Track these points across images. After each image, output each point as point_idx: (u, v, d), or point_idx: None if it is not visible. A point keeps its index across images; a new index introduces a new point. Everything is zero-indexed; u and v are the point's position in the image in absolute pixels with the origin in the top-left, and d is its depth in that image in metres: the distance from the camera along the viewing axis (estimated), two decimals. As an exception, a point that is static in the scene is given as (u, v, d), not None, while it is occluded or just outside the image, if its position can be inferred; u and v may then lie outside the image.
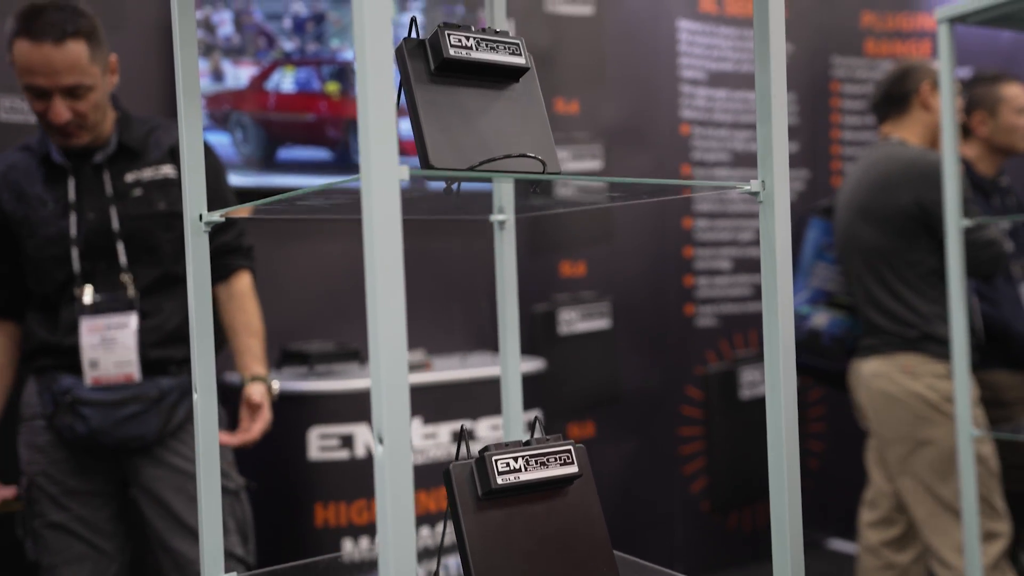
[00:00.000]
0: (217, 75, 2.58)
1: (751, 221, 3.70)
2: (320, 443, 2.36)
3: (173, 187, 1.99)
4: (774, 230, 0.84)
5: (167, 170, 1.99)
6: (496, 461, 0.83)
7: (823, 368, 2.77)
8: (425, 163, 0.84)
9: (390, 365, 0.63)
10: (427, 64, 0.86)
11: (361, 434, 2.37)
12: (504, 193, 0.97)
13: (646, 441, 3.44)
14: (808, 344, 2.75)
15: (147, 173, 1.98)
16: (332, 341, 2.66)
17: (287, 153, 2.69)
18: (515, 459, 0.84)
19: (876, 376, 2.49)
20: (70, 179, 1.94)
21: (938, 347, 2.42)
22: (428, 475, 2.45)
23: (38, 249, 1.93)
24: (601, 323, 3.35)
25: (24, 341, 2.02)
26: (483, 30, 0.89)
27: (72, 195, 1.93)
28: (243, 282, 2.08)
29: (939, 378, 2.42)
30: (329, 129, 2.73)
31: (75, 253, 1.92)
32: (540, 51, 3.24)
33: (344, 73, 2.72)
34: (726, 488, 3.59)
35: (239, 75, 2.60)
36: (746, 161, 3.70)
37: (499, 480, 0.83)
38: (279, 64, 2.66)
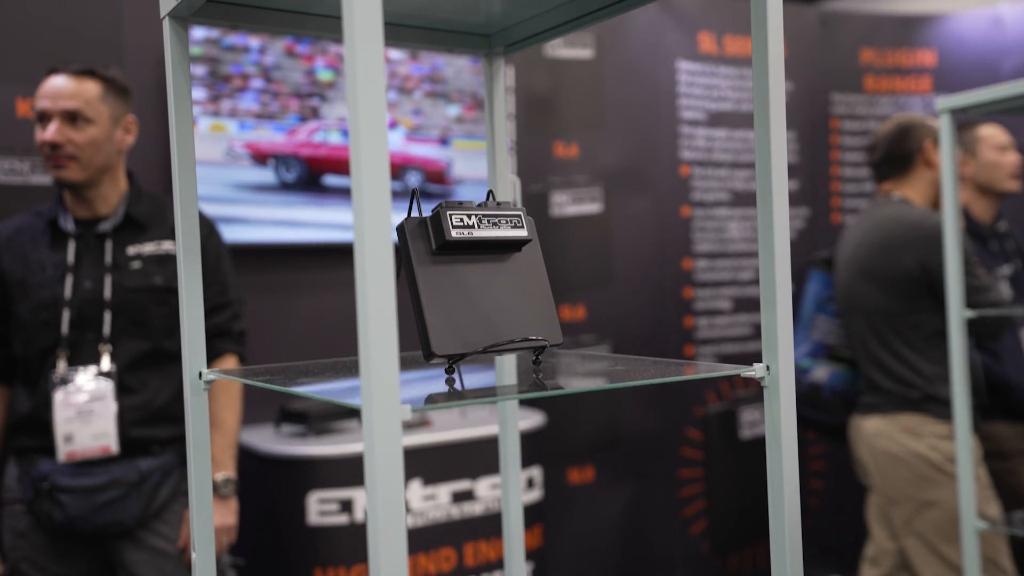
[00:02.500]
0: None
1: (751, 260, 3.69)
2: (319, 507, 2.35)
3: (172, 262, 1.98)
4: (779, 415, 0.83)
5: (168, 245, 1.99)
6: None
7: (823, 422, 2.77)
8: (427, 350, 0.83)
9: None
10: (428, 244, 0.85)
11: (361, 498, 2.36)
12: (508, 367, 0.96)
13: (646, 484, 3.43)
14: (808, 397, 2.74)
15: (148, 248, 1.98)
16: (331, 398, 2.65)
17: (334, 180, 2.72)
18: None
19: (878, 435, 2.49)
20: (71, 243, 1.94)
21: (940, 408, 2.41)
22: (427, 537, 2.44)
23: (31, 312, 1.93)
24: (601, 366, 3.34)
25: (8, 413, 2.02)
26: (484, 204, 0.89)
27: (71, 259, 1.93)
28: (224, 368, 2.06)
29: (941, 439, 2.41)
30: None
31: (65, 316, 1.91)
32: (540, 95, 3.23)
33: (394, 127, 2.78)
34: (727, 529, 3.58)
35: (276, 137, 2.64)
36: (745, 200, 3.69)
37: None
38: (324, 126, 2.68)
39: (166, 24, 0.96)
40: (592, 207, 3.35)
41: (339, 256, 2.80)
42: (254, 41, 2.61)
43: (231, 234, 2.54)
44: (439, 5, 1.02)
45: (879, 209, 2.57)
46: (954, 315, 1.69)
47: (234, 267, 2.16)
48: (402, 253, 0.85)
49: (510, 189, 1.18)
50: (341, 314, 2.77)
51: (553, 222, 3.25)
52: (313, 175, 2.68)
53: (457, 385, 0.85)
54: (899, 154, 2.57)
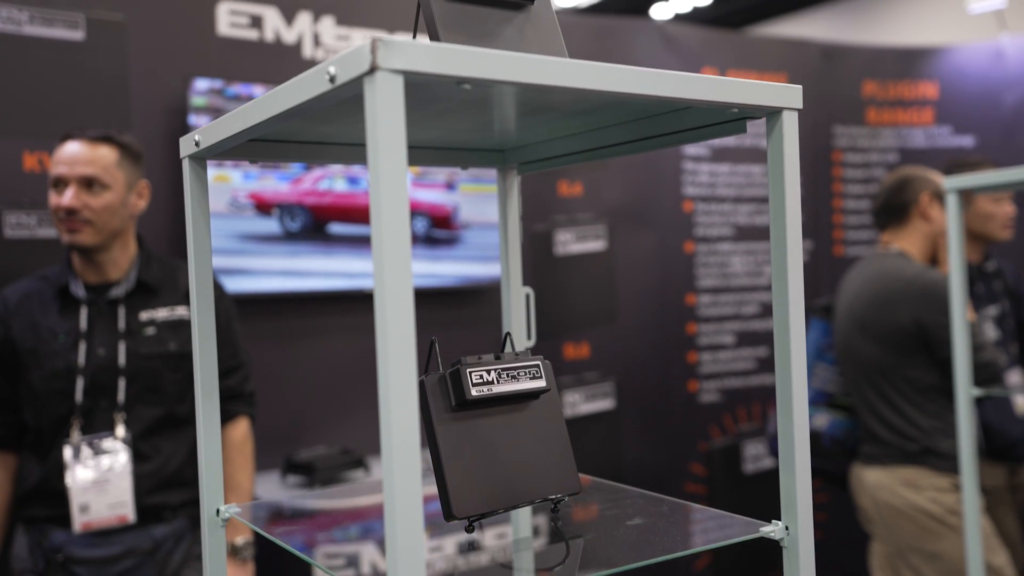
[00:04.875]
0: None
1: (754, 295, 3.69)
2: (326, 563, 2.35)
3: (186, 328, 1.98)
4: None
5: (182, 311, 2.00)
6: None
7: (824, 469, 2.77)
8: (448, 512, 0.84)
9: None
10: (448, 401, 0.86)
11: (367, 552, 2.37)
12: (524, 515, 0.96)
13: (649, 520, 3.44)
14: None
15: (162, 313, 1.98)
16: (337, 447, 2.66)
17: (339, 228, 2.72)
18: None
19: (879, 487, 2.50)
20: (83, 310, 1.94)
21: (939, 461, 2.43)
22: (434, 589, 2.45)
23: (44, 381, 1.92)
24: (605, 403, 3.35)
25: (15, 481, 2.01)
26: (502, 356, 0.89)
27: (84, 326, 1.93)
28: (238, 431, 2.08)
29: (942, 491, 2.42)
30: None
31: (79, 384, 1.90)
32: (543, 135, 3.23)
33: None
34: (730, 564, 3.59)
35: (281, 186, 2.63)
36: (748, 234, 3.70)
37: None
38: (328, 174, 2.68)
39: (186, 164, 0.96)
40: (596, 245, 3.36)
41: (346, 304, 2.80)
42: (258, 89, 2.61)
43: (236, 285, 2.55)
44: (457, 135, 1.02)
45: (877, 261, 2.58)
46: (962, 394, 1.70)
47: (239, 318, 2.17)
48: (421, 410, 0.86)
49: (523, 301, 1.19)
50: (347, 362, 2.78)
51: (557, 260, 3.26)
52: (318, 223, 2.69)
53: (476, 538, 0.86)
54: (896, 205, 2.58)
